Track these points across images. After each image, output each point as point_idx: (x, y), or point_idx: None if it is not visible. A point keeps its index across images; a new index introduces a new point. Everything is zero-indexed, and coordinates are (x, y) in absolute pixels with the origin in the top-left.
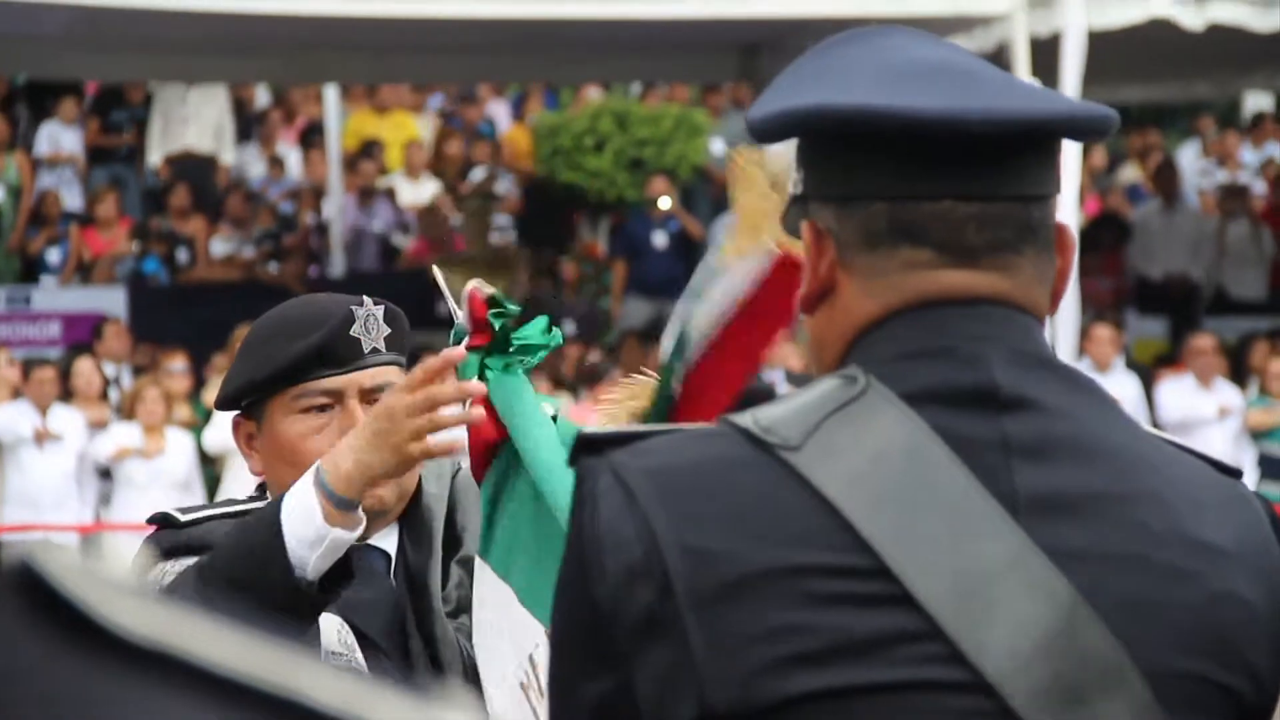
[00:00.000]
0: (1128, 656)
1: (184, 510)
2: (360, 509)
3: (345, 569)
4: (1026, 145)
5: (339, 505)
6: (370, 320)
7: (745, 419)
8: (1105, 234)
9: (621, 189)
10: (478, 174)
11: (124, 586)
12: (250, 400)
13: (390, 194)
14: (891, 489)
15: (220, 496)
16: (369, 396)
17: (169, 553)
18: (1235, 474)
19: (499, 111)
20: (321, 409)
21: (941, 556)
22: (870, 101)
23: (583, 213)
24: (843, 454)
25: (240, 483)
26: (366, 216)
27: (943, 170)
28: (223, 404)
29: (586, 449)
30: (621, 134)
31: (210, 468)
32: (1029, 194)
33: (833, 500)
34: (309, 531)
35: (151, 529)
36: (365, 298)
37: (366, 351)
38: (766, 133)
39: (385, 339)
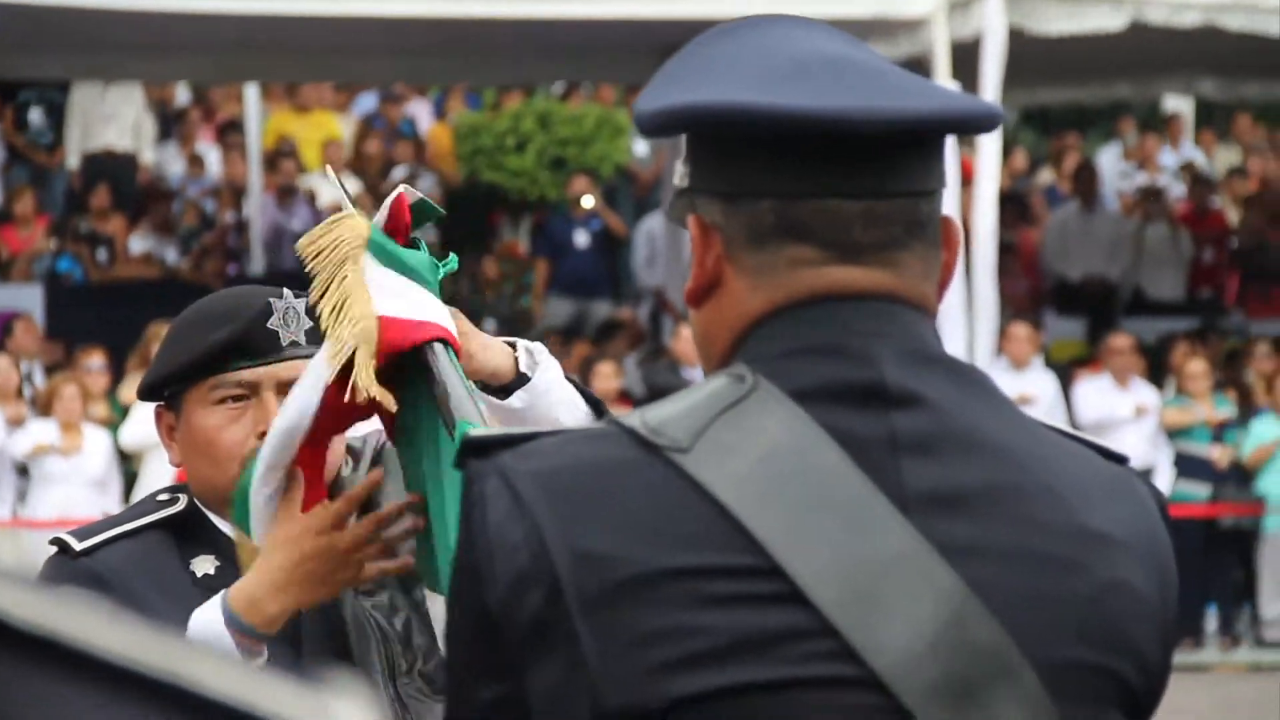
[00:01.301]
0: (1017, 649)
1: (81, 534)
2: None
3: None
4: (912, 142)
5: (260, 638)
6: (290, 313)
7: (634, 420)
8: (1008, 214)
9: (543, 188)
10: (399, 173)
11: (11, 576)
12: (170, 391)
13: (310, 194)
14: (781, 488)
15: (137, 494)
16: (285, 389)
17: (64, 582)
18: (1122, 460)
19: (420, 111)
20: (235, 400)
21: (832, 554)
22: (754, 100)
23: (504, 212)
24: (732, 454)
25: (159, 478)
26: (286, 215)
27: (828, 168)
28: (144, 394)
29: (474, 452)
30: (544, 134)
31: (128, 464)
32: (916, 190)
33: (722, 501)
34: None
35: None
36: (286, 290)
37: (285, 344)
38: (652, 129)
39: (306, 332)
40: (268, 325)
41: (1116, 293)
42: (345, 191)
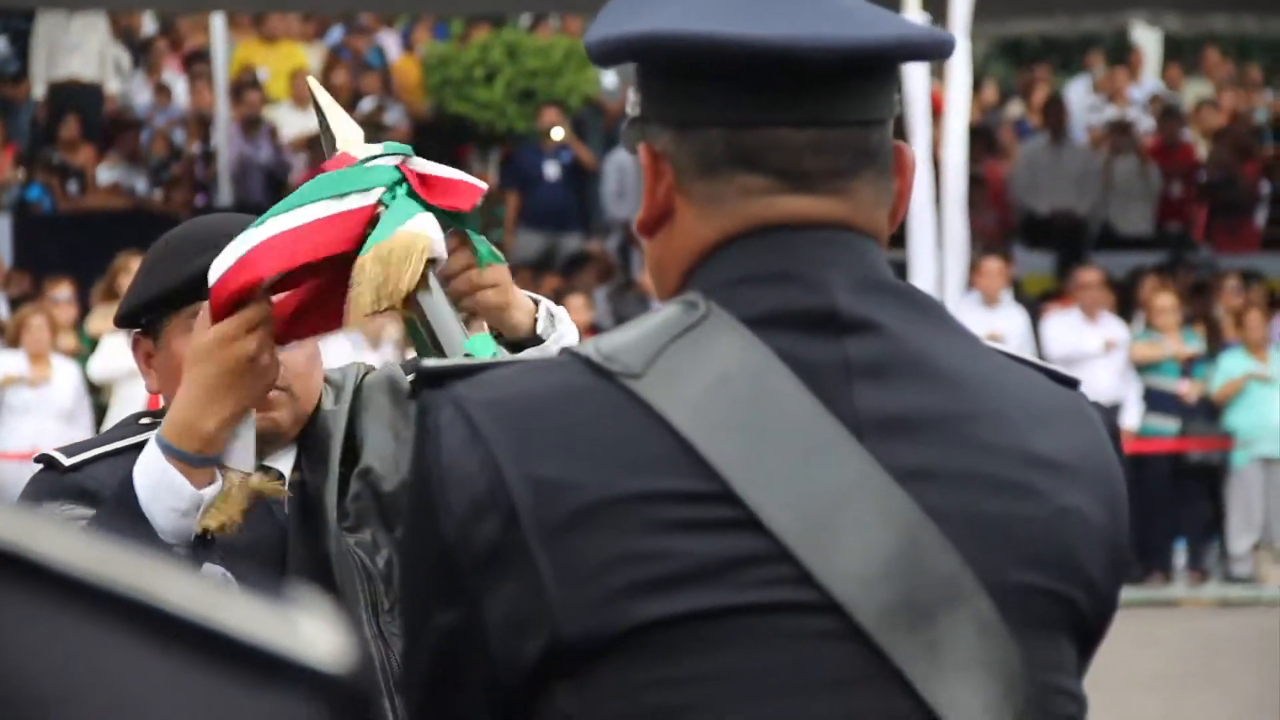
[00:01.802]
0: (971, 574)
1: (69, 451)
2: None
3: None
4: (862, 70)
5: (201, 464)
6: None
7: (587, 348)
8: (976, 148)
9: (512, 121)
10: (367, 104)
11: None
12: (149, 318)
13: (274, 126)
14: (735, 413)
15: (107, 426)
16: None
17: (53, 496)
18: (1073, 384)
19: (388, 42)
20: None
21: (787, 480)
22: (701, 29)
23: (473, 145)
24: (685, 380)
25: (129, 410)
26: (252, 147)
27: (779, 97)
28: (122, 320)
29: (428, 382)
30: (512, 65)
31: (97, 396)
32: (867, 118)
33: (676, 426)
34: (181, 504)
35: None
36: None
37: None
38: (601, 58)
39: None
40: None
41: (1085, 227)
42: (325, 121)
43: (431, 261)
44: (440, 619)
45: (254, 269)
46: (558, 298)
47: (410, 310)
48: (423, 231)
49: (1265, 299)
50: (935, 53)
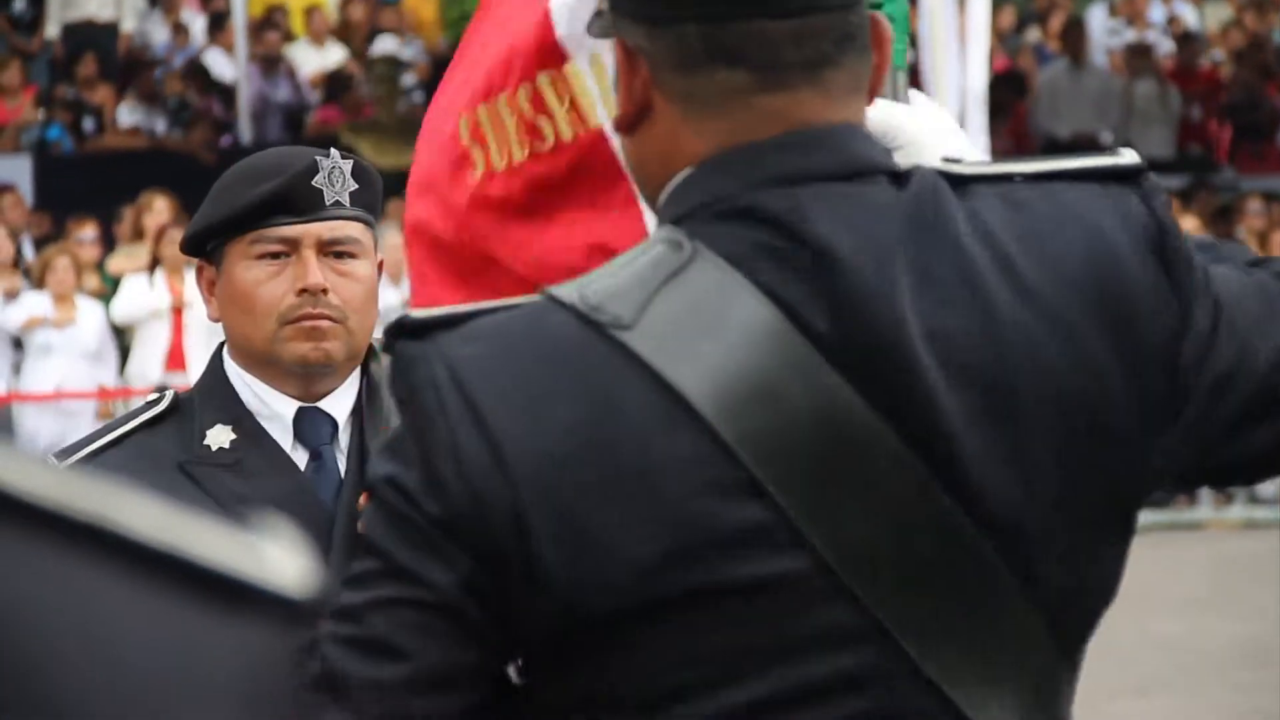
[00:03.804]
0: (971, 522)
1: (63, 455)
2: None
3: None
4: None
5: None
6: (335, 172)
7: (572, 293)
8: (1005, 92)
9: None
10: (385, 42)
11: None
12: (212, 245)
13: (293, 62)
14: (730, 367)
15: (130, 366)
16: (327, 249)
17: None
18: (1124, 175)
19: None
20: (275, 256)
21: (786, 443)
22: None
23: None
24: (677, 329)
25: (152, 351)
26: (270, 86)
27: None
28: (186, 248)
29: (411, 333)
30: None
31: (122, 337)
32: (844, 1)
33: (673, 383)
34: None
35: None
36: (334, 150)
37: (329, 203)
38: None
39: (351, 194)
40: (313, 183)
41: (1107, 151)
42: None
43: None
44: (436, 575)
45: None
46: None
47: None
48: None
49: None
50: None
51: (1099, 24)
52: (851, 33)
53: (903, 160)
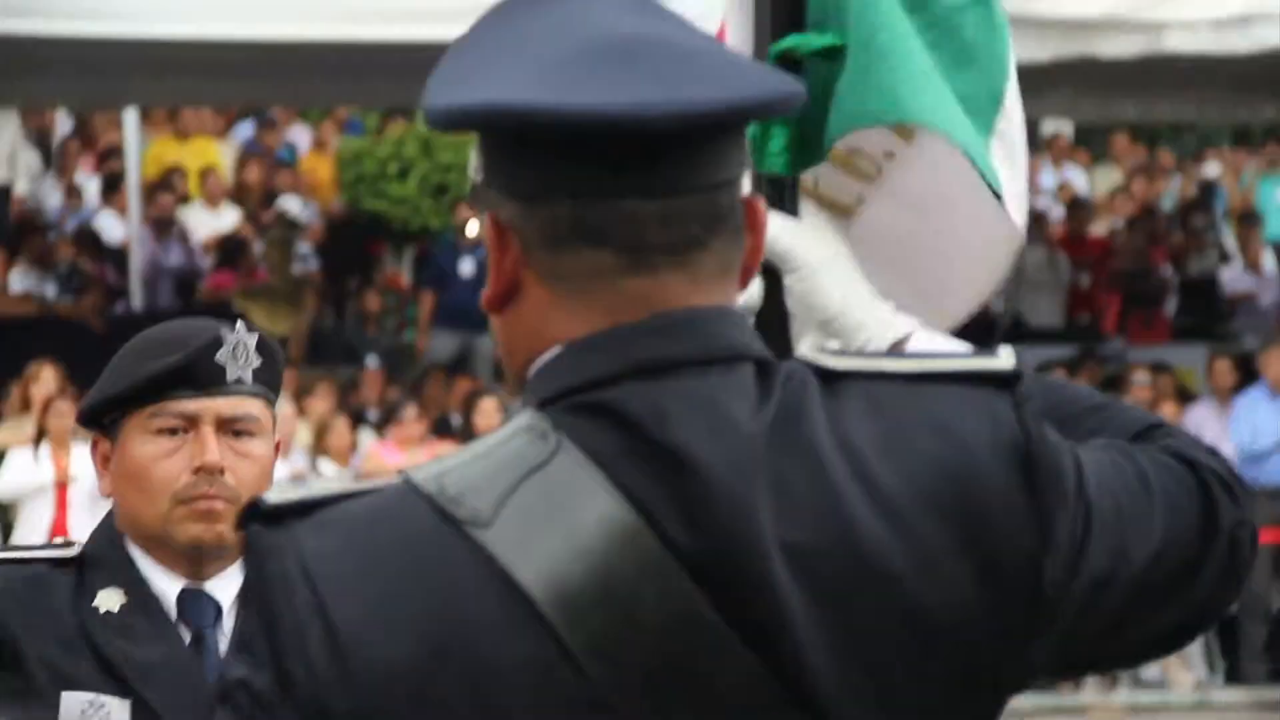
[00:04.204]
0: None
1: None
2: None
3: None
4: (708, 132)
5: None
6: (240, 348)
7: (431, 483)
8: None
9: (426, 217)
10: (283, 202)
11: None
12: (110, 418)
13: (186, 226)
14: (583, 570)
15: (13, 543)
16: (226, 426)
17: None
18: (996, 380)
19: (300, 137)
20: (173, 432)
21: (642, 656)
22: (545, 100)
23: (387, 242)
24: (533, 531)
25: (36, 528)
26: (163, 249)
27: (621, 165)
28: (83, 419)
29: (265, 519)
30: (426, 160)
31: (4, 513)
32: (717, 181)
33: (526, 588)
34: None
35: None
36: (241, 324)
37: (230, 379)
38: (437, 128)
39: (254, 370)
40: (216, 358)
41: (997, 319)
42: None
43: None
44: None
45: None
46: (472, 400)
47: None
48: None
49: (1175, 390)
50: (788, 106)
51: None
52: (722, 215)
53: (796, 286)
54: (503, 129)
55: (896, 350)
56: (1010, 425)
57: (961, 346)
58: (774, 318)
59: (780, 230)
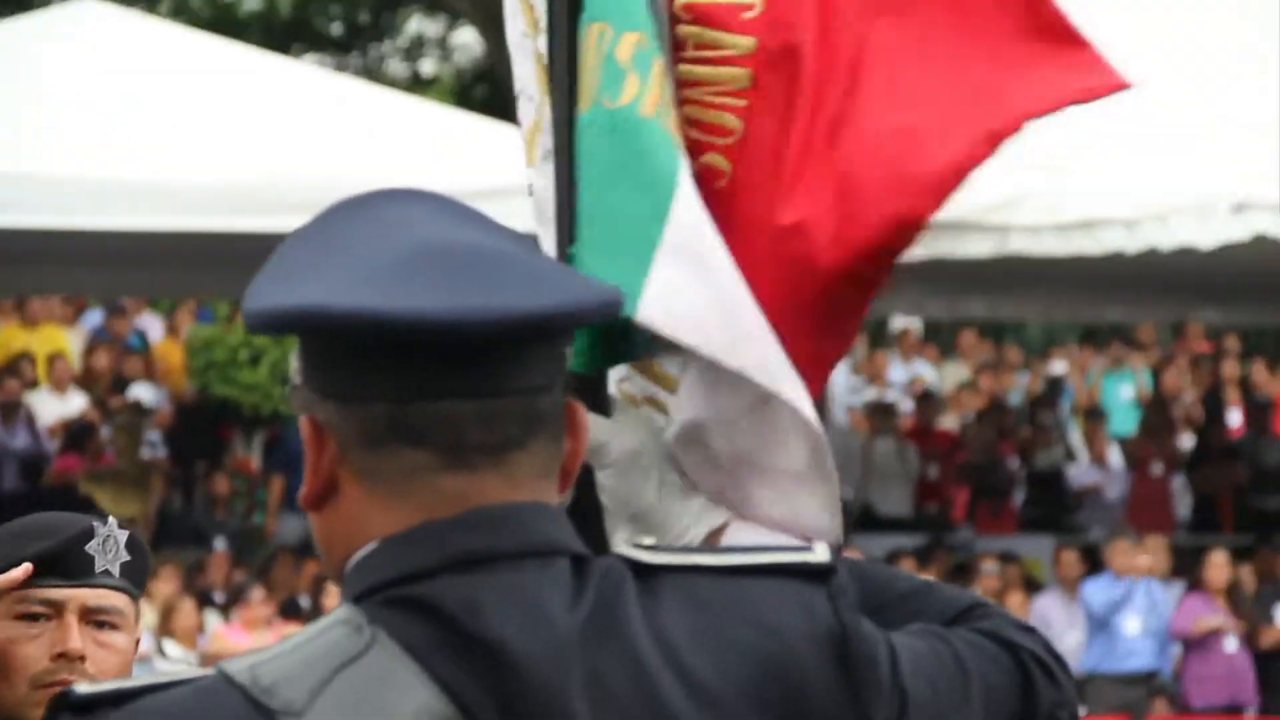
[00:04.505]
0: None
1: None
2: None
3: None
4: (531, 337)
5: None
6: (110, 541)
7: (244, 675)
8: None
9: (277, 402)
10: (134, 389)
11: None
12: None
13: (33, 410)
14: None
15: None
16: (90, 616)
17: None
18: (809, 574)
19: (151, 325)
20: (36, 618)
21: None
22: (363, 304)
23: (237, 427)
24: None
25: None
26: (9, 433)
27: (438, 369)
28: None
29: (76, 709)
30: (277, 347)
31: None
32: (535, 384)
33: None
34: None
35: None
36: (112, 519)
37: (98, 571)
38: (260, 329)
39: (122, 565)
40: (85, 548)
41: (847, 508)
42: None
43: None
44: None
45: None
46: (321, 582)
47: None
48: None
49: (1022, 580)
50: (610, 314)
51: (840, 382)
52: (541, 417)
53: (609, 481)
54: (321, 331)
55: (712, 542)
56: (826, 617)
57: (778, 538)
58: (587, 511)
59: (591, 424)
